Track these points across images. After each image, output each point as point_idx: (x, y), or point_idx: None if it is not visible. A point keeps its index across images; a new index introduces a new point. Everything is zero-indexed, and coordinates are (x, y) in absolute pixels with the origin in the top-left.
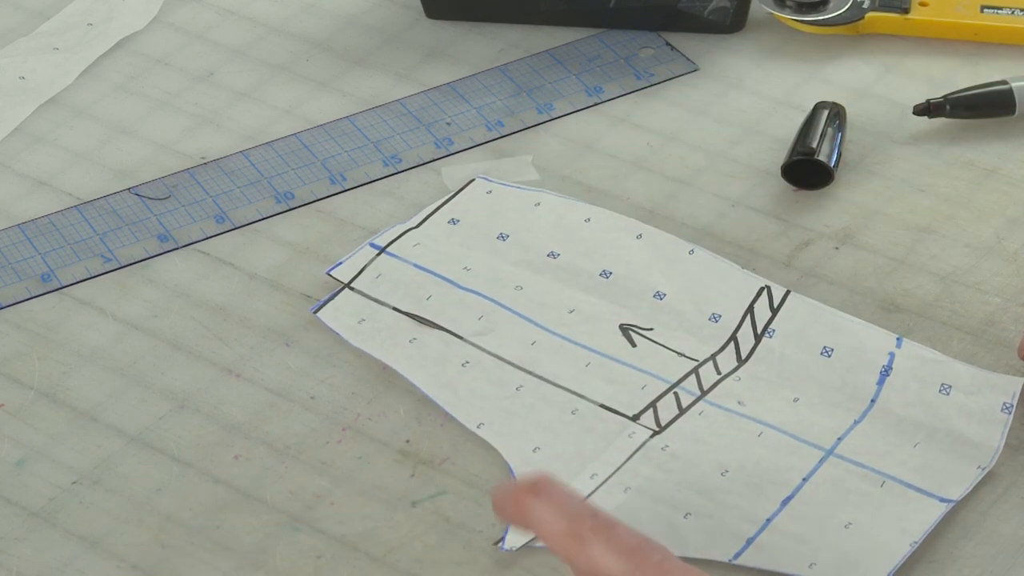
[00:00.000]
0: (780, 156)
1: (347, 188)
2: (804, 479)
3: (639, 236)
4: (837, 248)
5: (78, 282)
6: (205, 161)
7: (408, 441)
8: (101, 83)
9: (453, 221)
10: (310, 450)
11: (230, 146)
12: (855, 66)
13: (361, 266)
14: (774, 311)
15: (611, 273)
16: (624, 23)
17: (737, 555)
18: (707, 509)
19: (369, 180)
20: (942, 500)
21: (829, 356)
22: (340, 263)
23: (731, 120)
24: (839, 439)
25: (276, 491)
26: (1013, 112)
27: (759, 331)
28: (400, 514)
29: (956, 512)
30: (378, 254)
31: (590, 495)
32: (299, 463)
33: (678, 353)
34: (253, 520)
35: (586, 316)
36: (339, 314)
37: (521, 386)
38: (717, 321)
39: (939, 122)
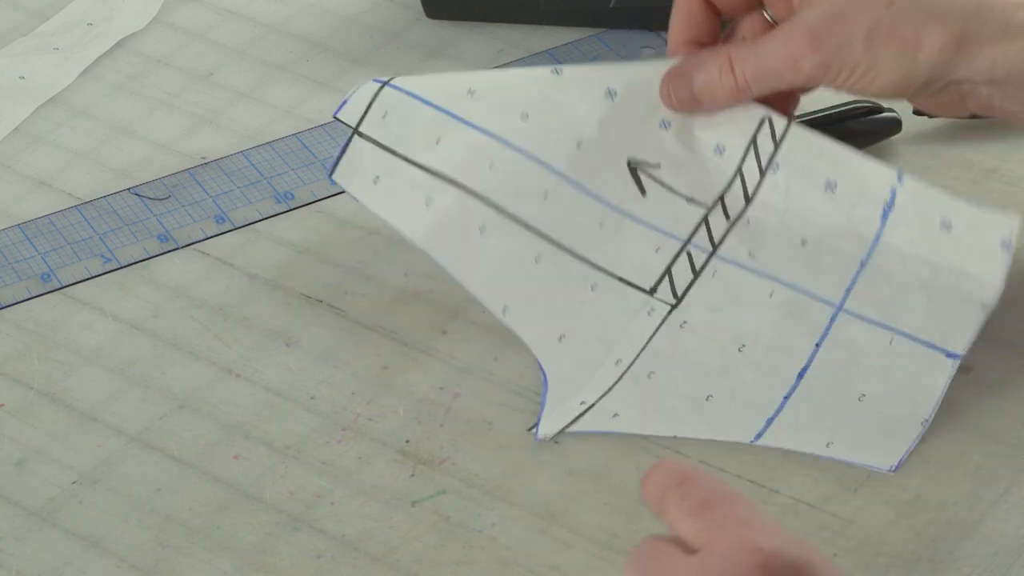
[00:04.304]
0: None
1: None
2: (817, 344)
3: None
4: None
5: (78, 282)
6: (205, 161)
7: (408, 441)
8: (101, 83)
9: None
10: (310, 450)
11: (230, 146)
12: None
13: (366, 103)
14: (777, 144)
15: (615, 93)
16: (624, 23)
17: (758, 436)
18: (728, 390)
19: None
20: (949, 355)
21: (834, 191)
22: (345, 102)
23: None
24: (847, 290)
25: (276, 491)
26: None
27: (763, 165)
28: (400, 514)
29: (956, 512)
30: (381, 87)
31: (616, 383)
32: (299, 463)
33: (687, 199)
34: (253, 520)
35: (593, 151)
36: (354, 172)
37: (539, 257)
38: (722, 154)
39: (939, 122)
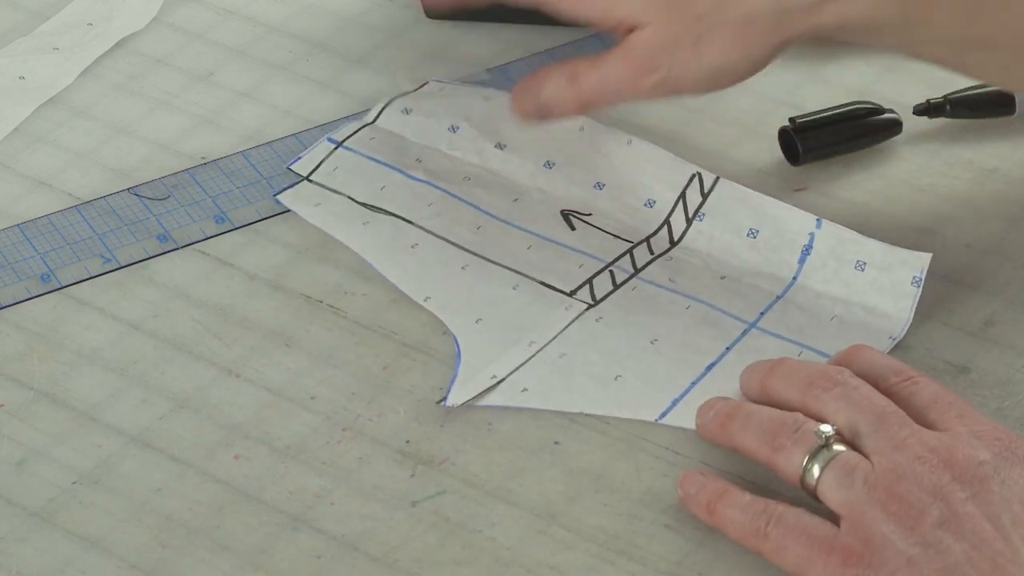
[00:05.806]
0: (780, 156)
1: None
2: (728, 348)
3: (581, 128)
4: None
5: (78, 282)
6: (205, 161)
7: (408, 441)
8: (101, 83)
9: (406, 111)
10: (310, 450)
11: (230, 146)
12: (855, 66)
13: (319, 160)
14: (704, 196)
15: (554, 164)
16: None
17: (663, 415)
18: (636, 372)
19: None
20: None
21: (755, 237)
22: (299, 157)
23: (731, 120)
24: (761, 314)
25: (276, 491)
26: (1013, 112)
27: (690, 215)
28: (400, 514)
29: None
30: (335, 148)
31: (528, 360)
32: (299, 463)
33: (614, 235)
34: (253, 520)
35: (529, 204)
36: (297, 199)
37: (466, 265)
38: (652, 207)
39: (939, 122)
